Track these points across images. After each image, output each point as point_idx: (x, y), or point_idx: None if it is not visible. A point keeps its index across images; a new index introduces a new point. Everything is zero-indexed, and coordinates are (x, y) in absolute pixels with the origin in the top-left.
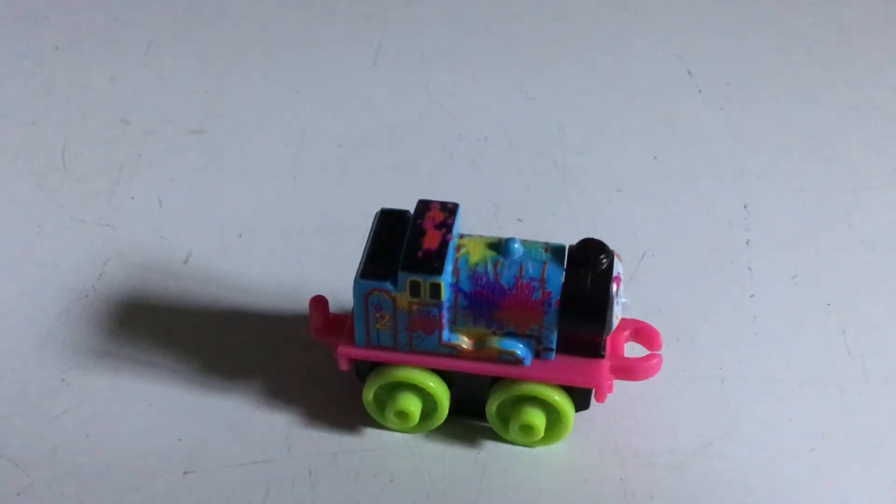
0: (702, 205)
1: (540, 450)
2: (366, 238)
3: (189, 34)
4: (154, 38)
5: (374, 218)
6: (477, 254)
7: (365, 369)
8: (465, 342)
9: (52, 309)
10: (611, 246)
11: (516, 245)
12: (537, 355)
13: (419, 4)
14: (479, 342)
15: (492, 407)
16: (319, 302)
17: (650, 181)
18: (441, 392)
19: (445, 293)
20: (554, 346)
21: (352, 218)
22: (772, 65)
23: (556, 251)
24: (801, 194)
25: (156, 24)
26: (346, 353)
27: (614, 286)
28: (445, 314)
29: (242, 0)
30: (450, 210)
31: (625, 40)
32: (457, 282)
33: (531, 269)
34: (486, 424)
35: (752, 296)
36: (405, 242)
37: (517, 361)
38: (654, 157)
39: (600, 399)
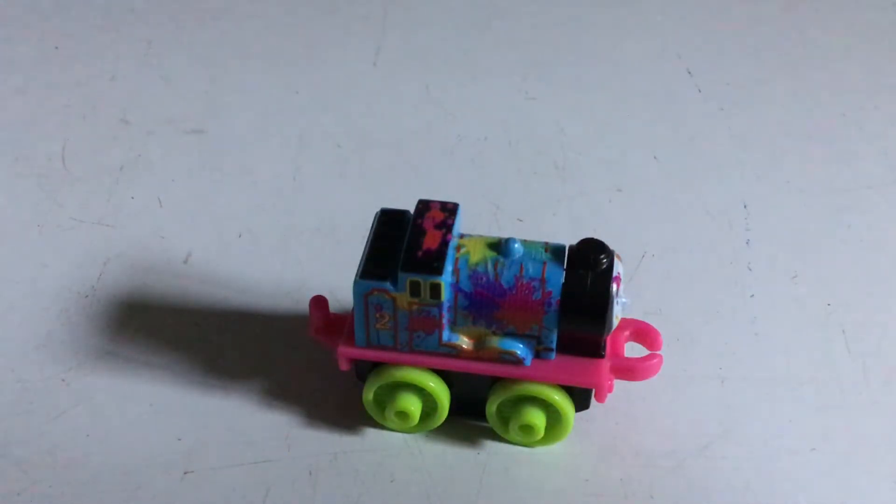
0: (702, 205)
1: (540, 450)
2: (366, 238)
3: (189, 34)
4: (154, 38)
5: (374, 218)
6: (477, 254)
7: (365, 369)
8: (465, 342)
9: (52, 309)
10: (611, 246)
11: (516, 245)
12: (537, 355)
13: (419, 4)
14: (479, 342)
15: (492, 407)
16: (319, 302)
17: (650, 181)
18: (441, 392)
19: (445, 293)
20: (554, 346)
21: (352, 218)
22: (772, 65)
23: (556, 251)
24: (801, 194)
25: (156, 24)
26: (346, 353)
27: (614, 286)
28: (445, 314)
29: (242, 0)
30: (450, 210)
31: (625, 40)
32: (457, 282)
33: (531, 269)
34: (486, 424)
35: (752, 296)
36: (405, 242)
37: (517, 361)
38: (654, 157)
39: (600, 399)
